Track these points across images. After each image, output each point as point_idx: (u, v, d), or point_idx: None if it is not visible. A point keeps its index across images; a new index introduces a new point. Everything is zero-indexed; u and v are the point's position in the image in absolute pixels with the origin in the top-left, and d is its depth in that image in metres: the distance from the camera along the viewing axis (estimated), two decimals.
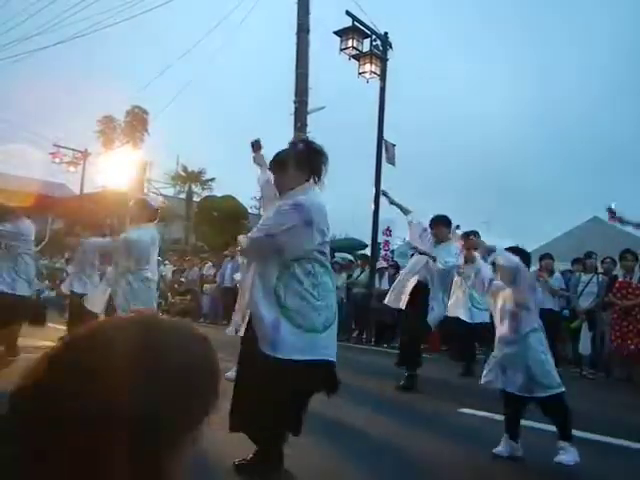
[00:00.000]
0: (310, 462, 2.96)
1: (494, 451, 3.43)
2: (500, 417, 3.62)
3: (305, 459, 2.92)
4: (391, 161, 12.09)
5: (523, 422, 3.61)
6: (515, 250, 3.65)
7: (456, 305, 6.67)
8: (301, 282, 2.65)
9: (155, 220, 5.11)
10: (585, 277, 7.93)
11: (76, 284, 6.80)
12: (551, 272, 8.29)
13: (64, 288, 7.65)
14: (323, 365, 2.70)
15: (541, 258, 8.52)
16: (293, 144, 2.95)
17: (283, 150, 2.92)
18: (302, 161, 2.81)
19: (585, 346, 7.58)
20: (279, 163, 2.85)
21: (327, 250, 2.80)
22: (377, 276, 10.98)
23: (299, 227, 2.65)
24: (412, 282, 5.51)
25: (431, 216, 5.80)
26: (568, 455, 3.25)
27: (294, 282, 2.65)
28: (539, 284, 8.04)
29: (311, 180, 2.83)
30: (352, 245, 16.96)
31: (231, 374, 5.65)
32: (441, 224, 5.60)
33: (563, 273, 8.76)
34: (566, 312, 8.29)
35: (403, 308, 5.54)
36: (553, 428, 3.39)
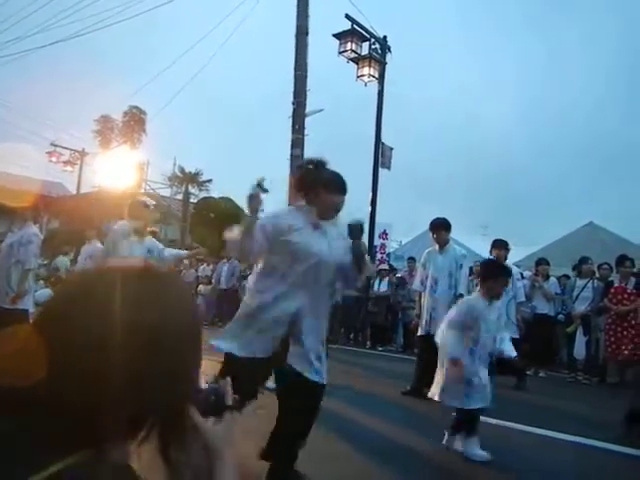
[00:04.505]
0: (316, 464, 2.94)
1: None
2: (496, 421, 3.63)
3: (309, 460, 2.90)
4: (386, 165, 12.05)
5: (519, 426, 3.60)
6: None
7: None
8: None
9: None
10: (580, 282, 7.95)
11: None
12: (547, 277, 8.33)
13: None
14: None
15: (537, 263, 8.56)
16: (300, 167, 2.96)
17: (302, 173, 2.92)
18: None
19: (580, 351, 7.59)
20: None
21: None
22: (373, 279, 10.97)
23: None
24: None
25: (431, 219, 5.74)
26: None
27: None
28: (535, 289, 8.10)
29: None
30: None
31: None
32: (442, 228, 5.62)
33: (559, 278, 8.80)
34: (561, 317, 8.31)
35: None
36: (548, 432, 3.39)
